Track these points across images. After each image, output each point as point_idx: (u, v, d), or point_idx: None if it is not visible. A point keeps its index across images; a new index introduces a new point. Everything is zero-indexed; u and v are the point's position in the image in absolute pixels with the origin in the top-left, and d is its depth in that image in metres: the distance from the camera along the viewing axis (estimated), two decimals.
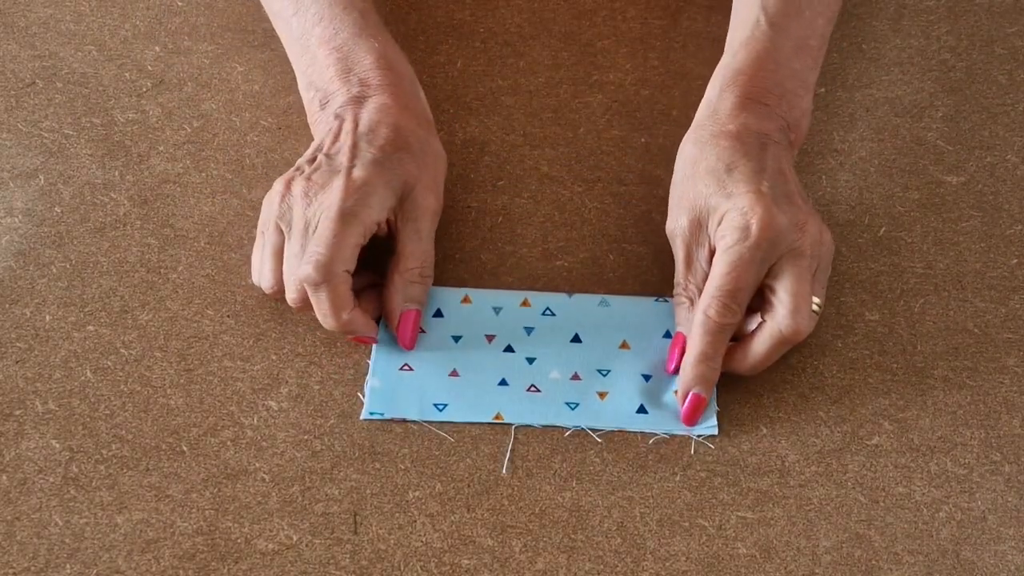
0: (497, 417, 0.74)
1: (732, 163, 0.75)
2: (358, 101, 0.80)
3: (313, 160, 0.78)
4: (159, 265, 0.81)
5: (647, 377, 0.75)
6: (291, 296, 0.75)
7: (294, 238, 0.75)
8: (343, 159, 0.76)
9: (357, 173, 0.75)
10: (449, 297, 0.79)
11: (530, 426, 0.74)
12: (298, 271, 0.73)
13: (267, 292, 0.77)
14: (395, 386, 0.75)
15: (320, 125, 0.81)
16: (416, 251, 0.76)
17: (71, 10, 0.96)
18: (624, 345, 0.77)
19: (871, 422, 0.74)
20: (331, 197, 0.74)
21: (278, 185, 0.77)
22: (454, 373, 0.76)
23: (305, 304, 0.75)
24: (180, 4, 0.96)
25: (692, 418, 0.73)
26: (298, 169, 0.77)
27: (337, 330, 0.75)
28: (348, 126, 0.78)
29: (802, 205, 0.75)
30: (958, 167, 0.87)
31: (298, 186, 0.76)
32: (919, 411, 0.75)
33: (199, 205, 0.84)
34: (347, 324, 0.74)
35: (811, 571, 0.68)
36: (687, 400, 0.73)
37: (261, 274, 0.77)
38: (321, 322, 0.75)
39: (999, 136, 0.89)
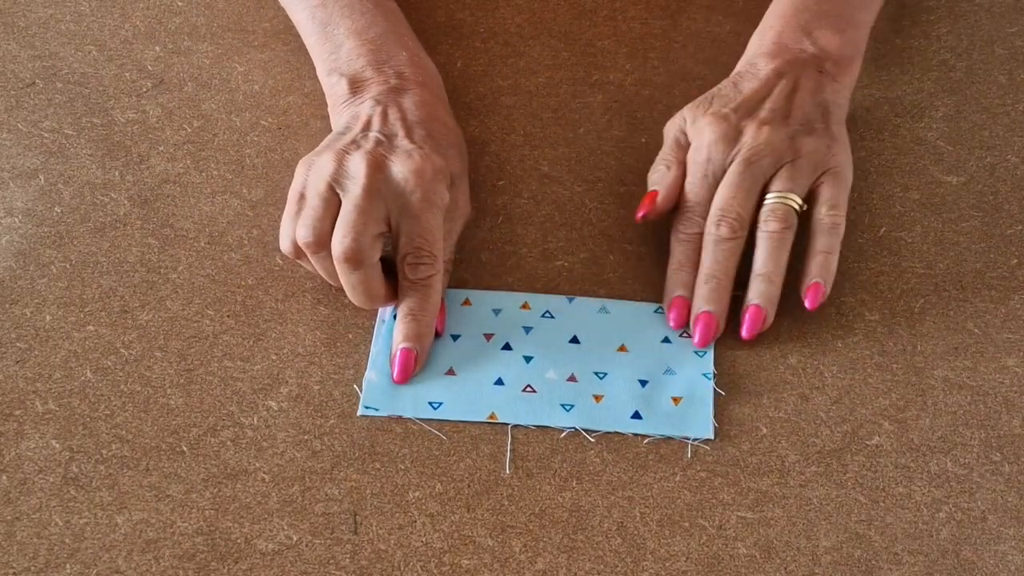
0: (491, 417, 0.74)
1: (721, 90, 0.83)
2: (398, 91, 0.81)
3: (364, 135, 0.77)
4: (159, 265, 0.81)
5: (644, 382, 0.75)
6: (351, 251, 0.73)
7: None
8: (405, 142, 0.77)
9: (433, 156, 0.76)
10: (449, 298, 0.79)
11: (524, 426, 0.74)
12: (409, 246, 0.74)
13: (310, 251, 0.75)
14: (391, 380, 0.75)
15: (351, 108, 0.81)
16: (443, 251, 0.77)
17: (71, 10, 0.96)
18: (622, 348, 0.77)
19: (871, 422, 0.74)
20: (414, 174, 0.74)
21: (328, 154, 0.75)
22: (451, 371, 0.76)
23: (356, 257, 0.73)
24: (180, 4, 0.96)
25: (704, 339, 0.77)
26: (354, 143, 0.76)
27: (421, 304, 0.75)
28: (395, 113, 0.79)
29: (771, 117, 0.80)
30: (958, 167, 0.87)
31: (359, 155, 0.75)
32: (919, 411, 0.75)
33: (199, 205, 0.84)
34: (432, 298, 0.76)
35: (811, 571, 0.68)
36: (697, 320, 0.77)
37: (312, 232, 0.74)
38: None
39: (999, 136, 0.89)
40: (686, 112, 0.82)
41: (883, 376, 0.76)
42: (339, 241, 0.73)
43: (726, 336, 0.77)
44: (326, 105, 0.89)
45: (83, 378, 0.75)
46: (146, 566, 0.68)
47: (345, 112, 0.81)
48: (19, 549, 0.68)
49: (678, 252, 0.79)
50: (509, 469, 0.72)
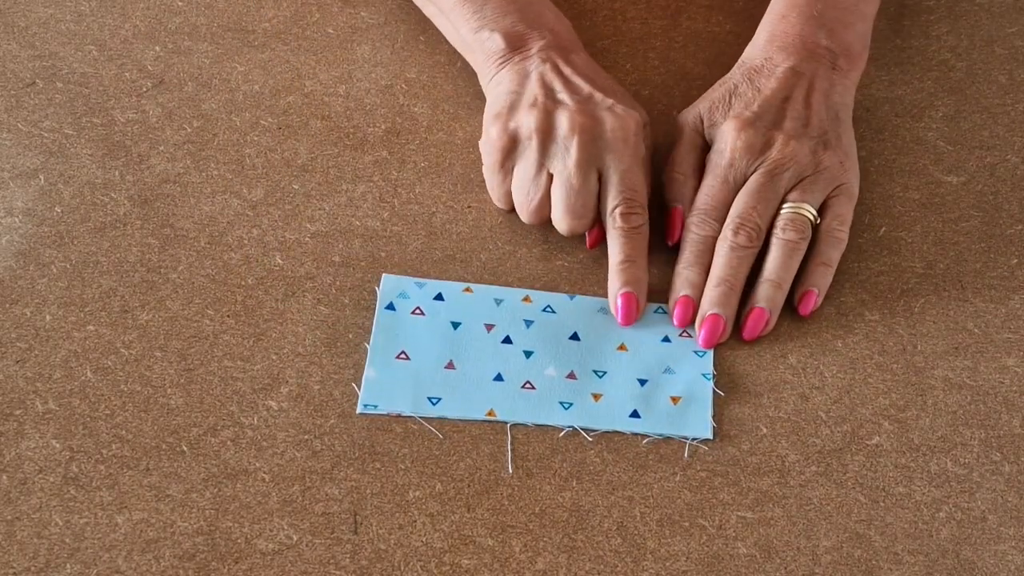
0: (490, 414, 0.74)
1: (738, 87, 0.83)
2: (561, 49, 0.83)
3: (553, 93, 0.80)
4: (159, 265, 0.81)
5: (643, 382, 0.75)
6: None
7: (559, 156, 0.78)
8: (601, 97, 0.80)
9: (632, 112, 0.80)
10: (451, 286, 0.79)
11: (523, 424, 0.74)
12: (617, 211, 0.78)
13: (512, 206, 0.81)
14: (390, 377, 0.75)
15: (516, 65, 0.82)
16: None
17: (71, 10, 0.96)
18: (622, 347, 0.77)
19: (871, 422, 0.74)
20: (621, 130, 0.78)
21: (531, 112, 0.79)
22: (450, 365, 0.76)
23: (580, 231, 0.79)
24: (180, 4, 0.96)
25: (709, 340, 0.77)
26: (553, 100, 0.79)
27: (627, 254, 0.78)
28: (569, 69, 0.82)
29: (795, 127, 0.80)
30: (958, 167, 0.87)
31: (565, 115, 0.78)
32: (919, 411, 0.75)
33: (199, 205, 0.84)
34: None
35: (811, 571, 0.68)
36: (704, 321, 0.77)
37: (572, 224, 0.79)
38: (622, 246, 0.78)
39: (999, 136, 0.89)
40: (703, 111, 0.83)
41: (883, 376, 0.76)
42: (561, 220, 0.79)
43: None
44: (326, 105, 0.90)
45: (83, 378, 0.75)
46: (146, 566, 0.68)
47: (508, 70, 0.82)
48: (19, 549, 0.68)
49: (689, 251, 0.79)
50: (511, 469, 0.72)
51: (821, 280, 0.78)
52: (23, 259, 0.81)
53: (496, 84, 0.83)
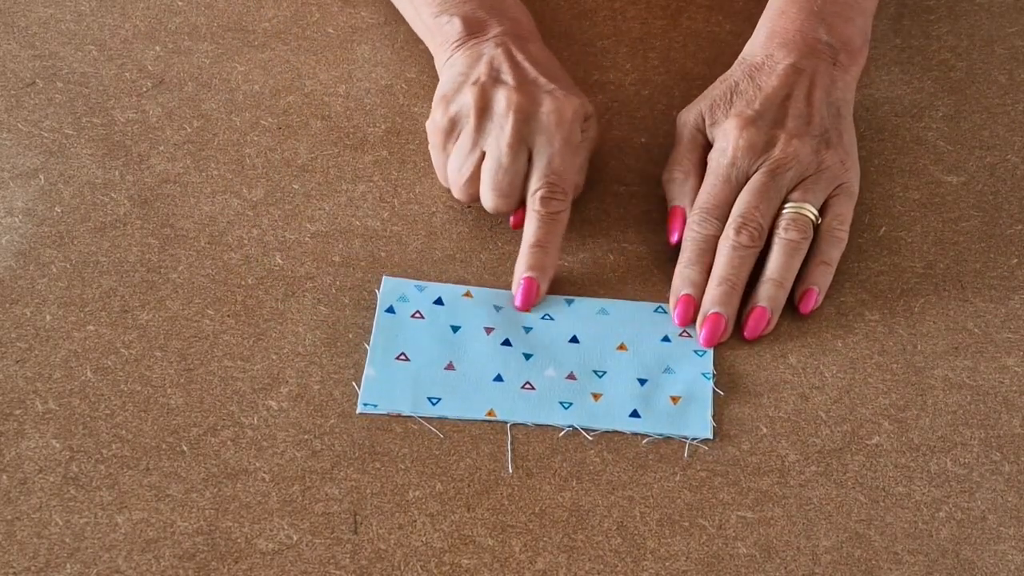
0: (490, 413, 0.74)
1: (739, 84, 0.82)
2: (518, 37, 0.83)
3: (497, 73, 0.80)
4: (159, 265, 0.81)
5: (643, 381, 0.75)
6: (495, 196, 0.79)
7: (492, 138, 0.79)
8: (544, 81, 0.80)
9: (571, 97, 0.79)
10: (451, 290, 0.79)
11: (523, 424, 0.74)
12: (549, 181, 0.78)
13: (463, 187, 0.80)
14: (390, 377, 0.75)
15: (470, 49, 0.82)
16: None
17: (71, 10, 0.96)
18: (622, 347, 0.77)
19: (871, 422, 0.74)
20: (555, 114, 0.78)
21: (470, 91, 0.79)
22: (450, 366, 0.76)
23: (505, 211, 0.80)
24: (180, 4, 0.96)
25: (710, 340, 0.77)
26: (494, 80, 0.80)
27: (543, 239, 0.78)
28: (521, 55, 0.82)
29: (797, 126, 0.80)
30: (958, 167, 0.87)
31: (503, 92, 0.79)
32: (919, 411, 0.75)
33: (199, 205, 0.84)
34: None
35: (811, 571, 0.68)
36: (705, 320, 0.77)
37: (499, 201, 0.79)
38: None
39: (999, 136, 0.89)
40: (703, 109, 0.82)
41: (883, 376, 0.76)
42: (486, 197, 0.79)
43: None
44: (326, 105, 0.90)
45: (83, 378, 0.75)
46: (146, 566, 0.68)
47: (462, 53, 0.83)
48: (19, 549, 0.68)
49: (690, 250, 0.79)
50: (511, 468, 0.72)
51: (822, 279, 0.78)
52: (23, 259, 0.81)
53: (449, 67, 0.83)
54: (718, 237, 0.78)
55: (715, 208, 0.79)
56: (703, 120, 0.82)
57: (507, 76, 0.80)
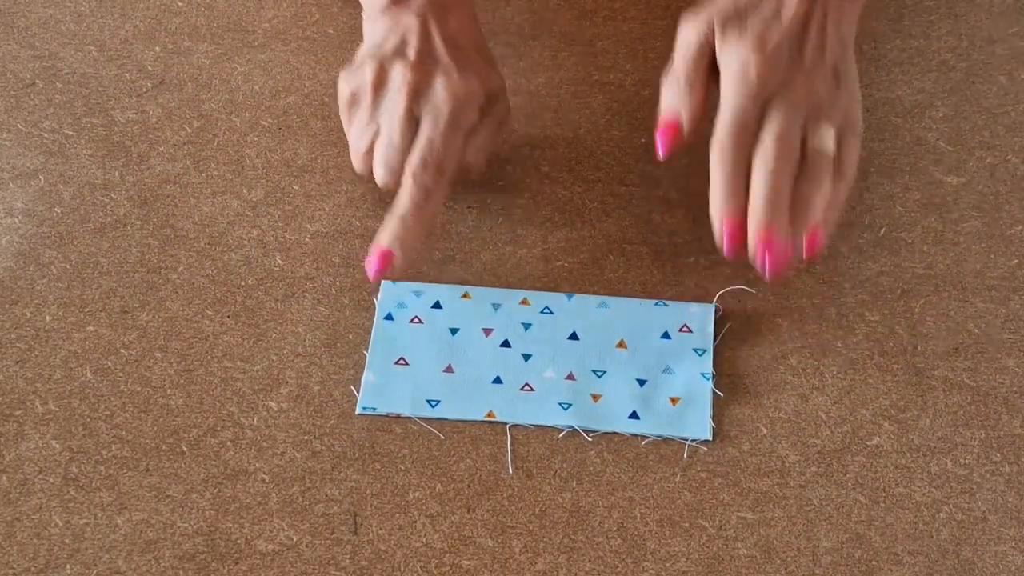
0: (489, 415, 0.74)
1: (751, 4, 0.77)
2: (443, 8, 0.82)
3: (404, 47, 0.80)
4: (159, 265, 0.81)
5: (642, 382, 0.75)
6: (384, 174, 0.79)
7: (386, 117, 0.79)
8: (446, 59, 0.79)
9: (470, 78, 0.79)
10: (449, 292, 0.79)
11: (522, 425, 0.74)
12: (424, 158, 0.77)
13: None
14: (389, 380, 0.75)
15: (391, 17, 0.82)
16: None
17: (71, 10, 0.96)
18: (621, 344, 0.77)
19: (871, 422, 0.74)
20: (449, 93, 0.78)
21: (369, 65, 0.79)
22: (448, 369, 0.76)
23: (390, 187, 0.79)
24: (180, 4, 0.96)
25: (777, 266, 0.72)
26: (398, 55, 0.80)
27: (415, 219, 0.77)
28: (436, 28, 0.81)
29: (814, 59, 0.76)
30: (958, 167, 0.87)
31: (400, 69, 0.79)
32: (919, 411, 0.75)
33: (199, 205, 0.84)
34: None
35: (811, 571, 0.68)
36: (763, 245, 0.72)
37: (388, 174, 0.79)
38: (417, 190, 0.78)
39: (999, 136, 0.89)
40: (716, 18, 0.77)
41: (883, 376, 0.76)
42: (376, 172, 0.79)
43: (726, 336, 0.78)
44: (326, 105, 0.90)
45: (83, 378, 0.75)
46: (146, 566, 0.68)
47: (382, 21, 0.82)
48: (19, 549, 0.68)
49: (723, 175, 0.74)
50: (511, 469, 0.72)
51: (829, 216, 0.75)
52: (23, 259, 0.81)
53: (368, 34, 0.83)
54: (750, 163, 0.74)
55: (743, 132, 0.74)
56: (712, 31, 0.77)
57: (411, 51, 0.80)
